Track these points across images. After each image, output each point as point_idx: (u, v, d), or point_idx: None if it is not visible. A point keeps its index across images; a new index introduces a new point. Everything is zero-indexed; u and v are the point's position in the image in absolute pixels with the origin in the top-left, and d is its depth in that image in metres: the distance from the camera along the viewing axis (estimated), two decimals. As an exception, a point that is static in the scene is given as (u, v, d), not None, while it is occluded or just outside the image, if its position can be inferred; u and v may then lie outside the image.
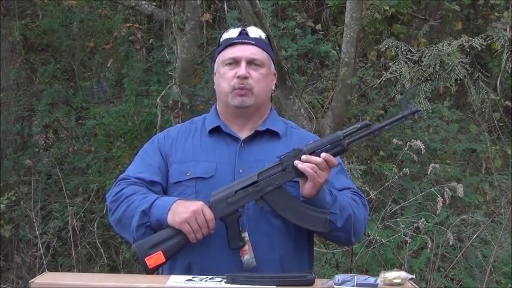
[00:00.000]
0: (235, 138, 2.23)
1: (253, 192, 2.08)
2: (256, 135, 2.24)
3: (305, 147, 2.08)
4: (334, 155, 2.08)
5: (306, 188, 2.08)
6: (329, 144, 2.08)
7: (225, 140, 2.23)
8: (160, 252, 2.07)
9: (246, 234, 2.09)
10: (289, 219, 2.10)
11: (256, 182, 2.09)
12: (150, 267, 2.07)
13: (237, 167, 2.18)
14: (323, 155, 2.05)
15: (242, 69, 2.19)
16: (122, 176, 2.26)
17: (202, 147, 2.23)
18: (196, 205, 2.06)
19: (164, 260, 2.08)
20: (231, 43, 2.23)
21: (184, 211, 2.05)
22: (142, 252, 2.08)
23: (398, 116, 2.10)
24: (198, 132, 2.28)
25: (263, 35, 2.28)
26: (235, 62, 2.21)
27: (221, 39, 2.29)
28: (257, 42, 2.25)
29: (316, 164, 2.04)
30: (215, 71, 2.30)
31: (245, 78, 2.18)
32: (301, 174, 2.06)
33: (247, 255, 2.08)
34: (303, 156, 2.06)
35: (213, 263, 2.11)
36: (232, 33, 2.26)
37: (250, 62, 2.21)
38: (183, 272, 2.11)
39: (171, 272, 2.14)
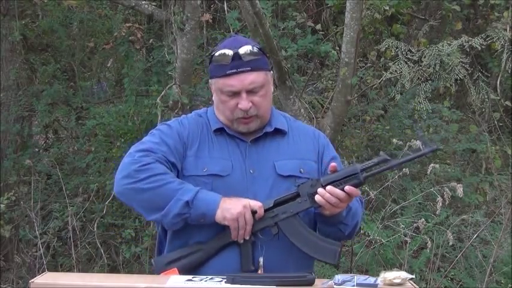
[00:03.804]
0: (242, 138, 2.23)
1: (268, 218, 2.12)
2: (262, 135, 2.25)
3: (322, 178, 2.11)
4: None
5: (323, 212, 2.13)
6: (346, 176, 2.09)
7: (233, 139, 2.23)
8: (176, 269, 2.11)
9: (261, 260, 2.11)
10: (301, 248, 2.12)
11: (271, 208, 2.12)
12: None
13: (247, 167, 2.18)
14: (347, 188, 2.07)
15: (244, 103, 2.15)
16: (147, 146, 2.16)
17: (216, 143, 2.22)
18: (245, 200, 2.08)
19: None
20: (226, 74, 2.16)
21: (234, 208, 2.06)
22: (159, 267, 2.15)
23: (418, 153, 2.14)
24: (207, 127, 2.25)
25: (255, 49, 2.19)
26: (234, 93, 2.17)
27: (213, 57, 2.20)
28: (252, 65, 2.16)
29: (337, 197, 2.07)
30: (212, 90, 2.25)
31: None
32: (316, 203, 2.09)
33: None
34: (328, 187, 2.07)
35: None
36: (224, 58, 2.16)
37: (250, 90, 2.17)
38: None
39: None
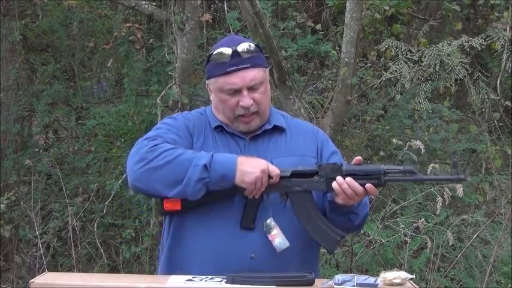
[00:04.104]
0: (241, 136, 2.24)
1: (282, 185, 2.12)
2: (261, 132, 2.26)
3: (345, 166, 2.11)
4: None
5: (336, 199, 2.13)
6: (368, 174, 2.09)
7: (233, 137, 2.24)
8: (179, 201, 2.12)
9: (271, 220, 2.11)
10: (303, 225, 2.13)
11: (288, 177, 2.12)
12: (166, 209, 2.15)
13: None
14: (368, 186, 2.08)
15: (246, 100, 2.16)
16: (154, 134, 2.15)
17: (218, 140, 2.22)
18: (264, 164, 2.09)
19: (179, 208, 2.13)
20: (226, 71, 2.15)
21: (253, 171, 2.06)
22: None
23: (445, 176, 2.15)
24: (209, 125, 2.26)
25: (252, 46, 2.19)
26: (235, 91, 2.17)
27: (211, 56, 2.20)
28: (251, 62, 2.17)
29: (354, 190, 2.07)
30: (210, 90, 2.24)
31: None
32: (331, 189, 2.10)
33: (278, 238, 2.11)
34: (348, 179, 2.07)
35: (222, 248, 2.12)
36: (223, 55, 2.16)
37: (251, 87, 2.17)
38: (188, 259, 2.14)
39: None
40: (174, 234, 2.20)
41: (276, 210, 2.14)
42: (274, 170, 2.10)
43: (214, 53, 2.19)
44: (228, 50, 2.16)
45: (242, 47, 2.17)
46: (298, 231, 2.15)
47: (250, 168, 2.07)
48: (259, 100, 2.19)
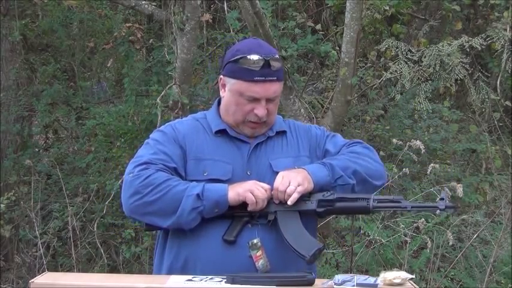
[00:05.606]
0: (244, 141, 2.24)
1: (271, 204, 2.15)
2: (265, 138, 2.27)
3: (336, 194, 2.15)
4: (356, 209, 2.17)
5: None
6: (358, 198, 2.16)
7: (233, 141, 2.23)
8: None
9: (258, 241, 2.13)
10: (284, 236, 2.13)
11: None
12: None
13: (245, 169, 2.20)
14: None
15: (262, 110, 2.18)
16: (145, 159, 2.16)
17: (216, 145, 2.22)
18: (252, 181, 2.14)
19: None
20: (253, 80, 2.15)
21: (244, 185, 2.11)
22: None
23: (432, 204, 2.16)
24: (205, 130, 2.25)
25: (279, 58, 2.20)
26: (254, 99, 2.18)
27: (240, 59, 2.16)
28: (278, 75, 2.18)
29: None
30: (224, 86, 2.23)
31: None
32: (322, 209, 2.14)
33: (262, 260, 2.12)
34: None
35: (207, 257, 2.12)
36: (254, 63, 2.15)
37: (269, 99, 2.19)
38: (179, 266, 2.15)
39: (169, 265, 2.17)
40: (168, 236, 2.21)
41: (263, 231, 2.15)
42: (265, 185, 2.13)
43: (243, 57, 2.16)
44: (260, 59, 2.15)
45: (273, 58, 2.17)
46: (283, 253, 2.14)
47: (242, 185, 2.11)
48: (271, 111, 2.21)
